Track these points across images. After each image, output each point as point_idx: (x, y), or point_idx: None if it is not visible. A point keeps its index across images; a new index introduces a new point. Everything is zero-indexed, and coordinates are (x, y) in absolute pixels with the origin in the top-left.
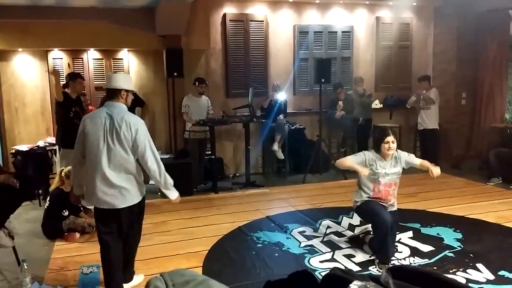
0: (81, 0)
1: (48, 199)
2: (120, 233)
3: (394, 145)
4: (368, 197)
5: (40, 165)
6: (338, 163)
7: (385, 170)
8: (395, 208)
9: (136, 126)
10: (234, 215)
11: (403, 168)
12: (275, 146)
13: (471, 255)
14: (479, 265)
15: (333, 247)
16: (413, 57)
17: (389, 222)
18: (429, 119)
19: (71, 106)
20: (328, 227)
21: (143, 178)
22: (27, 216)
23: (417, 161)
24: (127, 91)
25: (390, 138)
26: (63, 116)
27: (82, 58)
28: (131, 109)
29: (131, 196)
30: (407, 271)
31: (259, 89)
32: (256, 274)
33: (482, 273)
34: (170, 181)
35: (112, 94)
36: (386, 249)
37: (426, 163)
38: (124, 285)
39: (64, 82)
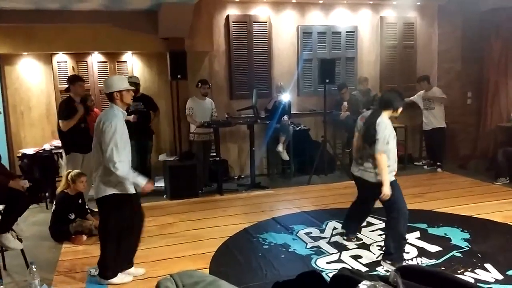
0: (85, 4)
1: (54, 202)
2: None
3: None
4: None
5: (46, 168)
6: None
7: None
8: None
9: (105, 125)
10: (239, 216)
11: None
12: (280, 147)
13: (479, 255)
14: (487, 265)
15: (340, 248)
16: (417, 56)
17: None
18: (436, 118)
19: (76, 110)
20: (335, 228)
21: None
22: (35, 219)
23: None
24: (119, 91)
25: None
26: (68, 118)
27: (86, 61)
28: (147, 112)
29: (99, 190)
30: (416, 271)
31: (263, 90)
32: (262, 276)
33: (490, 273)
34: (131, 179)
35: (108, 98)
36: (402, 252)
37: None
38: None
39: (67, 86)
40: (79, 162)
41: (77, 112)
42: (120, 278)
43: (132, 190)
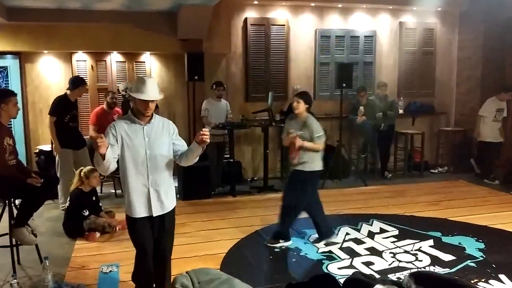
0: (105, 4)
1: (68, 199)
2: None
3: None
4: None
5: None
6: None
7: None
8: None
9: None
10: (251, 219)
11: None
12: None
13: (493, 265)
14: (502, 276)
15: (352, 254)
16: (437, 63)
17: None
18: (500, 132)
19: (69, 109)
20: (347, 233)
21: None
22: (49, 215)
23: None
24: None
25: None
26: (59, 119)
27: (105, 61)
28: None
29: None
30: (430, 277)
31: (279, 93)
32: (273, 279)
33: (505, 284)
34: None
35: None
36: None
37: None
38: None
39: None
40: (70, 158)
41: (68, 112)
42: None
43: (136, 214)
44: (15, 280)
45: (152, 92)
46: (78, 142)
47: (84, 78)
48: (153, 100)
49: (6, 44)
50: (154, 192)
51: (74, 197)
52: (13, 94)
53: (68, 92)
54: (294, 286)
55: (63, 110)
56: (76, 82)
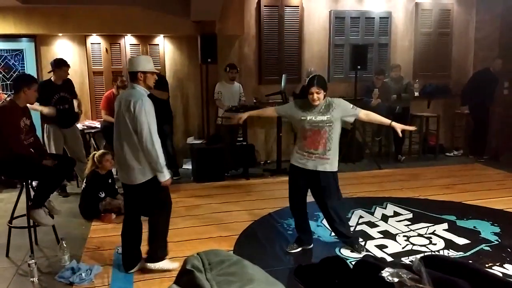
0: None
1: (84, 181)
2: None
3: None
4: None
5: None
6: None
7: (310, 117)
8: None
9: (135, 105)
10: (264, 201)
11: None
12: None
13: (509, 249)
14: None
15: (365, 237)
16: (453, 44)
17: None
18: None
19: (54, 93)
20: (361, 217)
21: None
22: (66, 197)
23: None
24: (144, 72)
25: (314, 89)
26: (45, 101)
27: (119, 44)
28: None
29: (134, 175)
30: (441, 260)
31: (292, 76)
32: (286, 261)
33: None
34: (162, 164)
35: (131, 77)
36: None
37: (377, 117)
38: (150, 264)
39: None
40: (60, 137)
41: (53, 96)
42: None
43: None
44: (32, 260)
45: None
46: (66, 122)
47: (99, 61)
48: None
49: (20, 27)
50: None
51: (90, 179)
52: (37, 81)
53: (53, 78)
54: (304, 268)
55: (47, 94)
56: (53, 64)
